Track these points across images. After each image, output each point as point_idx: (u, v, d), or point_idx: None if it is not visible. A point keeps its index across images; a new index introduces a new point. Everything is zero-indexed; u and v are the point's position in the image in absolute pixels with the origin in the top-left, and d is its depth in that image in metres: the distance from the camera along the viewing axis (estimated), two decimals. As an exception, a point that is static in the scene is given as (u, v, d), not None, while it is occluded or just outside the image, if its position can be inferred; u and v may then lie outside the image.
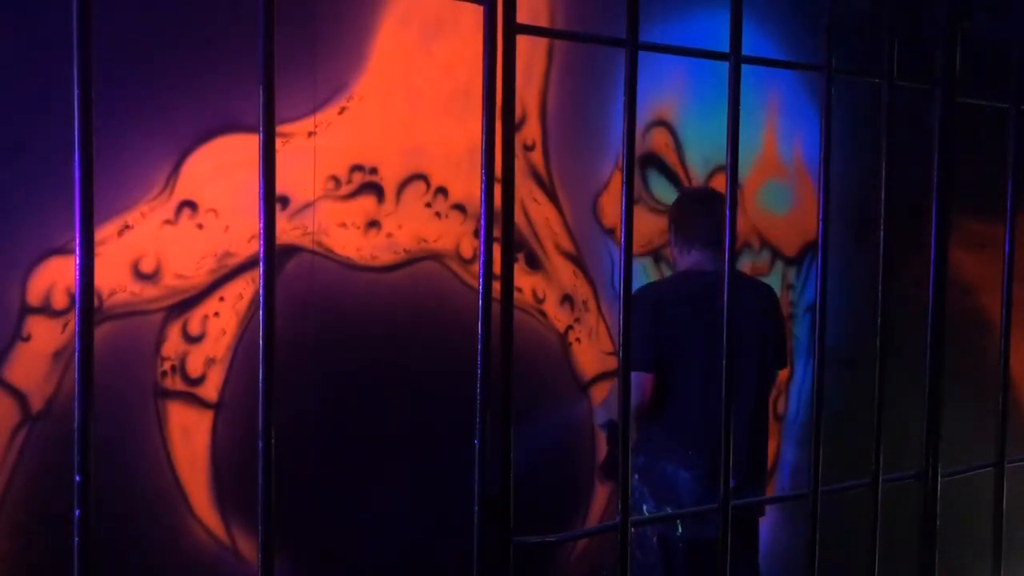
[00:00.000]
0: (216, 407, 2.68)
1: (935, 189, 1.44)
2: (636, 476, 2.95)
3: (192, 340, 2.64)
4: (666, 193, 3.52)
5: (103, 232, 2.47)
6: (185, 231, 2.61)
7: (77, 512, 0.82)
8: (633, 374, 2.75)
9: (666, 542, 2.93)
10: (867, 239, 1.63)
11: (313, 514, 2.82)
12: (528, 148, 3.20)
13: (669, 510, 2.88)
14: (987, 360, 1.88)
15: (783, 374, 3.83)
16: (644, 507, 2.94)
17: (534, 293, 3.26)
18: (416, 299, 2.99)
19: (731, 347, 1.26)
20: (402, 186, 2.95)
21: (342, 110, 2.83)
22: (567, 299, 3.34)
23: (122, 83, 2.48)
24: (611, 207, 3.38)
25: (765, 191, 3.82)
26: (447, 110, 3.00)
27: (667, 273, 3.46)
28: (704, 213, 2.99)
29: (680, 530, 2.91)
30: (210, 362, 2.67)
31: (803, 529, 1.39)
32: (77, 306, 0.82)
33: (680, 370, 2.86)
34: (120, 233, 2.52)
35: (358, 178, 2.87)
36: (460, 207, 3.05)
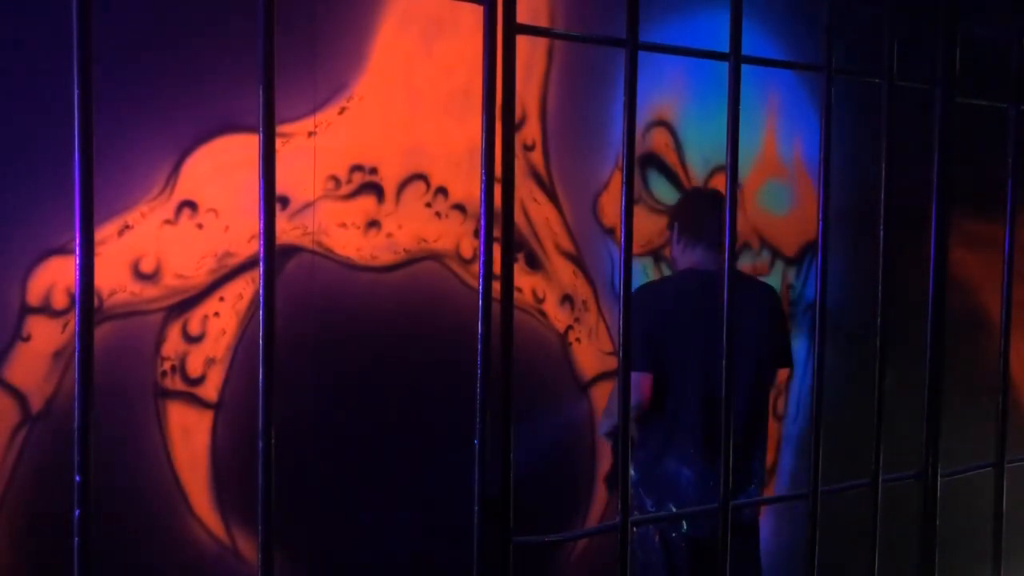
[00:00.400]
0: (216, 407, 2.68)
1: (935, 189, 1.44)
2: (637, 476, 2.96)
3: (192, 340, 2.64)
4: (666, 193, 3.52)
5: (103, 232, 2.47)
6: (185, 231, 2.61)
7: (77, 512, 0.82)
8: (631, 374, 2.78)
9: (668, 541, 2.94)
10: (867, 239, 1.63)
11: (313, 514, 2.82)
12: (528, 148, 3.20)
13: (673, 508, 2.89)
14: (987, 360, 1.88)
15: (783, 373, 3.84)
16: (646, 506, 2.95)
17: (534, 293, 3.26)
18: (416, 299, 2.99)
19: (730, 347, 1.26)
20: (402, 186, 2.95)
21: (342, 110, 2.83)
22: (567, 299, 3.34)
23: (122, 83, 2.48)
24: (611, 207, 3.38)
25: (765, 191, 3.82)
26: (447, 110, 2.99)
27: (667, 273, 3.46)
28: (713, 214, 3.01)
29: (685, 527, 2.91)
30: (210, 362, 2.67)
31: (803, 529, 1.39)
32: (77, 306, 0.82)
33: (678, 368, 2.88)
34: (120, 233, 2.52)
35: (358, 178, 2.87)
36: (460, 207, 3.05)
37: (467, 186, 3.03)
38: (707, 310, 2.87)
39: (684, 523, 2.91)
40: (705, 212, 3.03)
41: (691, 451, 2.89)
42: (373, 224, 2.90)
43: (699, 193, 3.33)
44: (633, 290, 1.27)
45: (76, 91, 0.81)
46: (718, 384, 3.02)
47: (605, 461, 3.44)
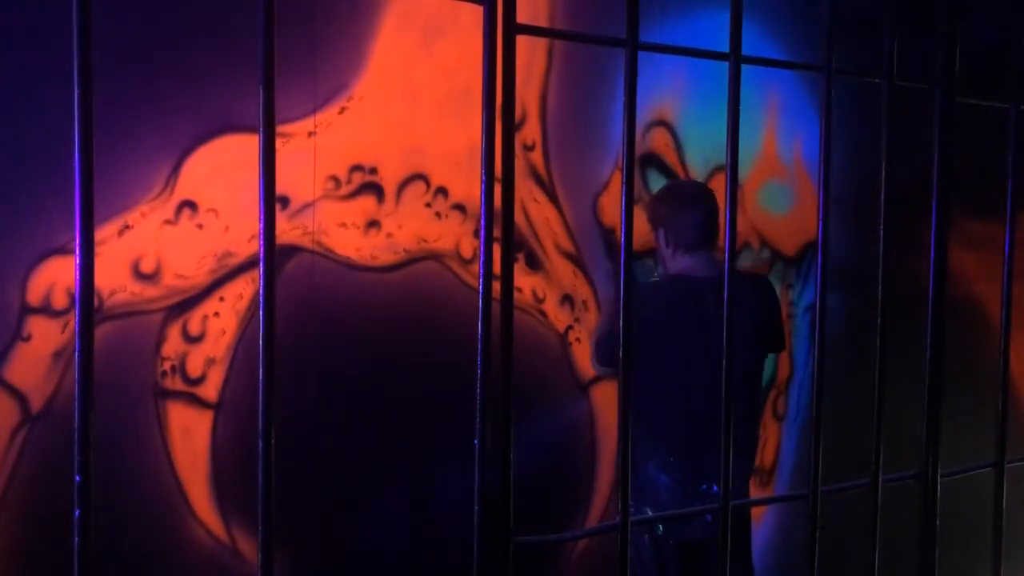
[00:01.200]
0: (216, 407, 2.68)
1: (935, 189, 1.44)
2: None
3: (192, 340, 2.64)
4: (666, 193, 3.52)
5: (103, 232, 2.47)
6: (185, 231, 2.61)
7: (77, 512, 0.82)
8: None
9: (656, 540, 2.94)
10: (867, 238, 1.64)
11: (313, 514, 2.82)
12: (528, 148, 3.20)
13: (648, 511, 2.88)
14: (987, 360, 1.88)
15: (783, 371, 3.84)
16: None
17: (534, 293, 3.26)
18: (416, 299, 2.99)
19: (730, 350, 1.26)
20: (402, 186, 2.95)
21: (342, 110, 2.83)
22: (567, 299, 3.34)
23: (122, 83, 2.48)
24: (611, 207, 3.38)
25: (765, 191, 3.82)
26: (447, 110, 2.99)
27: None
28: (695, 212, 2.95)
29: (661, 531, 2.91)
30: (210, 362, 2.67)
31: (803, 529, 1.39)
32: (77, 306, 0.82)
33: (661, 374, 2.86)
34: (120, 233, 2.52)
35: (358, 178, 2.87)
36: (460, 207, 3.05)
37: (467, 186, 3.03)
38: (696, 318, 2.87)
39: (660, 527, 2.90)
40: (686, 212, 2.95)
41: (669, 458, 2.88)
42: (373, 224, 2.90)
43: (675, 191, 3.16)
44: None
45: (76, 91, 0.81)
46: (696, 390, 2.99)
47: (605, 461, 3.44)
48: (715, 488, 2.83)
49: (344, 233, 2.85)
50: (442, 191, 3.01)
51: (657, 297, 2.98)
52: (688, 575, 2.94)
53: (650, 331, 2.84)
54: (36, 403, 2.42)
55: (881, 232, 1.39)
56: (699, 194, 3.06)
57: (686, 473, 2.86)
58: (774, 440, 3.94)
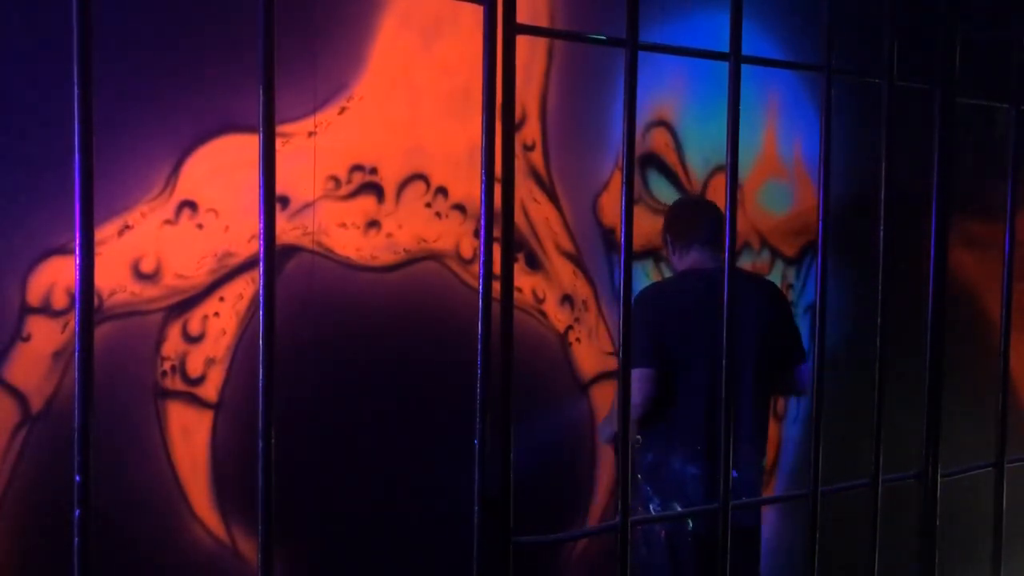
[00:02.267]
0: (216, 407, 2.68)
1: (935, 189, 1.44)
2: (639, 476, 2.96)
3: (192, 340, 2.64)
4: (666, 193, 3.52)
5: (103, 232, 2.47)
6: (185, 231, 2.61)
7: (77, 512, 0.82)
8: (634, 370, 2.78)
9: (673, 538, 2.94)
10: (867, 239, 1.64)
11: (313, 514, 2.82)
12: (528, 148, 3.20)
13: (678, 507, 2.90)
14: (987, 360, 1.88)
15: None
16: (651, 507, 2.96)
17: (534, 293, 3.26)
18: (416, 299, 2.99)
19: (731, 346, 1.26)
20: (402, 186, 2.95)
21: (342, 110, 2.83)
22: (567, 299, 3.34)
23: (122, 83, 2.48)
24: (611, 207, 3.38)
25: (765, 191, 3.82)
26: (447, 110, 2.99)
27: (667, 274, 3.46)
28: (698, 214, 3.12)
29: (691, 525, 2.91)
30: (210, 362, 2.67)
31: (803, 529, 1.39)
32: (77, 306, 0.82)
33: (684, 367, 2.89)
34: (120, 233, 2.52)
35: (358, 178, 2.87)
36: (460, 207, 3.05)
37: (467, 186, 3.03)
38: (711, 308, 2.88)
39: (690, 522, 2.92)
40: (689, 216, 3.11)
41: (697, 448, 2.89)
42: (373, 224, 2.90)
43: (681, 202, 3.38)
44: (635, 293, 1.28)
45: (76, 91, 0.81)
46: (718, 377, 2.99)
47: (605, 461, 3.44)
48: (734, 473, 2.83)
49: (344, 233, 2.85)
50: (442, 191, 3.01)
51: (670, 288, 3.07)
52: (703, 572, 2.94)
53: (667, 320, 2.90)
54: (36, 403, 2.42)
55: (881, 232, 1.39)
56: (700, 200, 3.30)
57: (714, 463, 2.86)
58: (774, 440, 3.94)
